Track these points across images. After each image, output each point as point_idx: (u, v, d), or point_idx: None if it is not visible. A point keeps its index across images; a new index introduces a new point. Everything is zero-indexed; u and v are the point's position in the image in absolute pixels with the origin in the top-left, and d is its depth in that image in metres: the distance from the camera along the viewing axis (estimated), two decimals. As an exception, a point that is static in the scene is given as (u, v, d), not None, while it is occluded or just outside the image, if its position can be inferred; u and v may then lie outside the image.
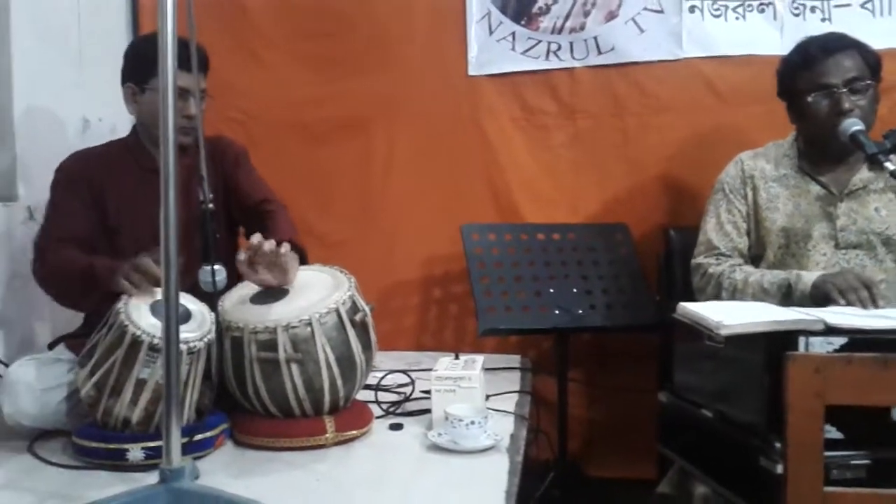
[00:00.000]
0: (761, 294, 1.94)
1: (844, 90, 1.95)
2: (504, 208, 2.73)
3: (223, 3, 2.75)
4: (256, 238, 1.69)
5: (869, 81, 1.98)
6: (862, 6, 2.60)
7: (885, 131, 1.88)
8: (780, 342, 1.41)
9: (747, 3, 2.63)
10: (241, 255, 1.70)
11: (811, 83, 2.00)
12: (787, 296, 1.90)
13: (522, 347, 2.66)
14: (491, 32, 2.71)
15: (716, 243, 2.11)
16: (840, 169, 2.06)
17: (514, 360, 2.51)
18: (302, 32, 2.77)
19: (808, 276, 1.87)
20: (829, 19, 2.61)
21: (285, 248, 1.71)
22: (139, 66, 2.00)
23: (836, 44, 2.01)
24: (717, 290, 2.03)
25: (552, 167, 2.73)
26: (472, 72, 2.72)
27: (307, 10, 2.76)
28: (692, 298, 2.19)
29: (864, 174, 2.03)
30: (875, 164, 1.84)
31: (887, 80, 2.44)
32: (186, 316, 1.64)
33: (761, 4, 2.62)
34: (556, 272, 2.44)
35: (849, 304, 1.75)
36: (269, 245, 1.67)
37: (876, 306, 1.73)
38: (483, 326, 2.28)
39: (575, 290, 2.41)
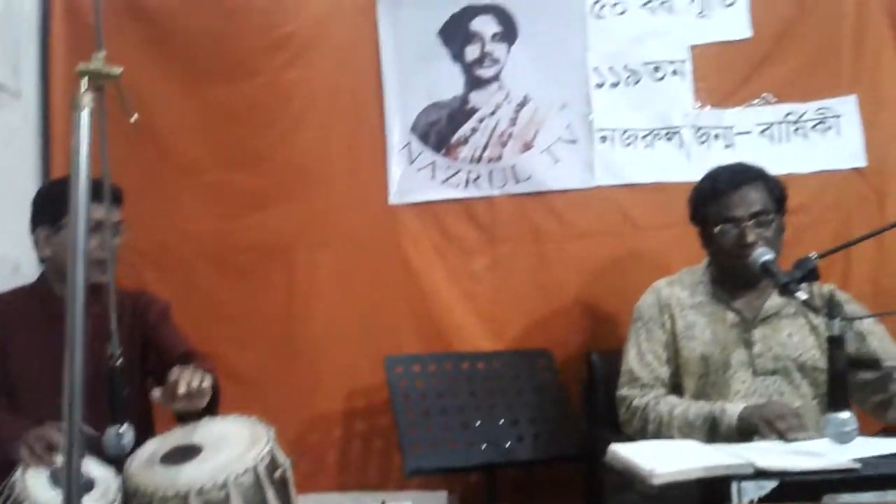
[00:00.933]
0: (687, 428, 1.93)
1: (750, 223, 2.01)
2: (428, 337, 2.69)
3: (138, 134, 2.67)
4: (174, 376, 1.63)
5: (773, 215, 2.05)
6: (761, 133, 2.76)
7: (796, 260, 1.95)
8: (713, 488, 1.41)
9: (655, 131, 2.75)
10: (156, 393, 1.65)
11: (718, 215, 2.05)
12: (712, 429, 1.89)
13: (449, 481, 2.57)
14: (412, 162, 2.75)
15: (637, 374, 2.11)
16: (752, 295, 2.10)
17: (441, 497, 2.42)
18: (219, 163, 2.73)
19: (733, 409, 1.88)
20: (733, 146, 2.75)
21: (207, 382, 1.67)
22: (51, 207, 1.96)
23: (743, 176, 2.08)
24: (643, 424, 2.02)
25: (474, 294, 2.73)
26: (392, 200, 2.73)
27: (223, 142, 2.74)
28: (617, 424, 2.18)
29: (774, 300, 2.07)
30: (786, 294, 1.88)
31: (788, 204, 2.60)
32: (89, 485, 1.52)
33: (668, 133, 2.75)
34: (482, 403, 2.40)
35: (779, 434, 1.75)
36: (183, 390, 1.61)
37: (800, 436, 1.74)
38: (409, 466, 2.21)
39: (502, 422, 2.37)
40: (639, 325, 2.17)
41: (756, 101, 2.77)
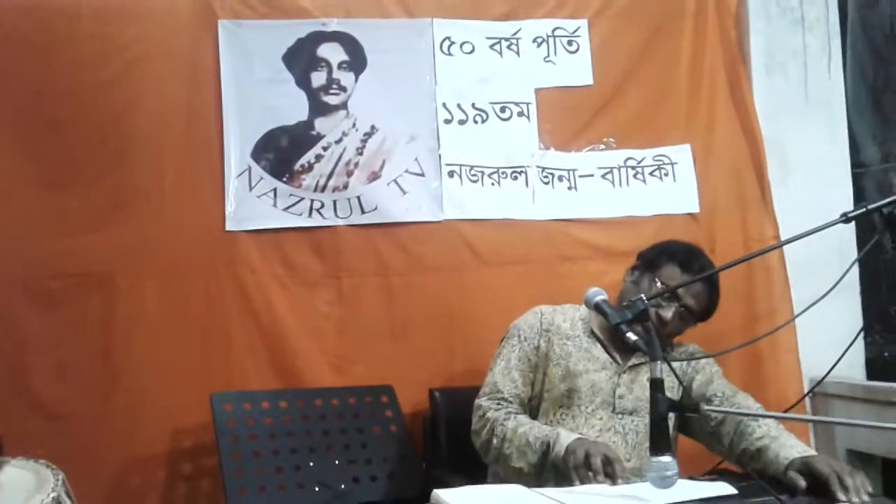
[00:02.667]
0: (525, 447, 1.91)
1: (681, 310, 2.02)
2: (264, 372, 2.55)
3: None
4: None
5: (695, 323, 2.09)
6: (602, 177, 2.84)
7: (625, 301, 1.97)
8: None
9: (501, 170, 2.77)
10: None
11: (669, 279, 2.04)
12: (545, 454, 1.88)
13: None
14: (251, 188, 2.62)
15: (500, 387, 2.08)
16: (624, 343, 2.11)
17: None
18: (35, 183, 2.50)
19: (566, 439, 1.86)
20: (575, 188, 2.82)
21: None
22: None
23: (711, 282, 2.07)
24: (490, 436, 1.99)
25: (316, 327, 2.62)
26: (230, 227, 2.59)
27: (43, 157, 2.51)
28: (458, 464, 2.13)
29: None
30: (618, 332, 1.89)
31: (625, 245, 2.66)
32: None
33: (514, 172, 2.78)
34: (317, 443, 2.28)
35: (588, 469, 1.73)
36: None
37: (614, 483, 1.72)
38: (233, 512, 2.04)
39: (337, 462, 2.25)
40: (514, 342, 2.14)
41: (598, 145, 2.85)
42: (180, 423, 2.47)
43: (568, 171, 2.81)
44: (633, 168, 2.86)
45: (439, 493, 1.55)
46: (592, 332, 2.13)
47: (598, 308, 1.90)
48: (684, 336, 2.15)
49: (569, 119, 2.84)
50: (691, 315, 2.07)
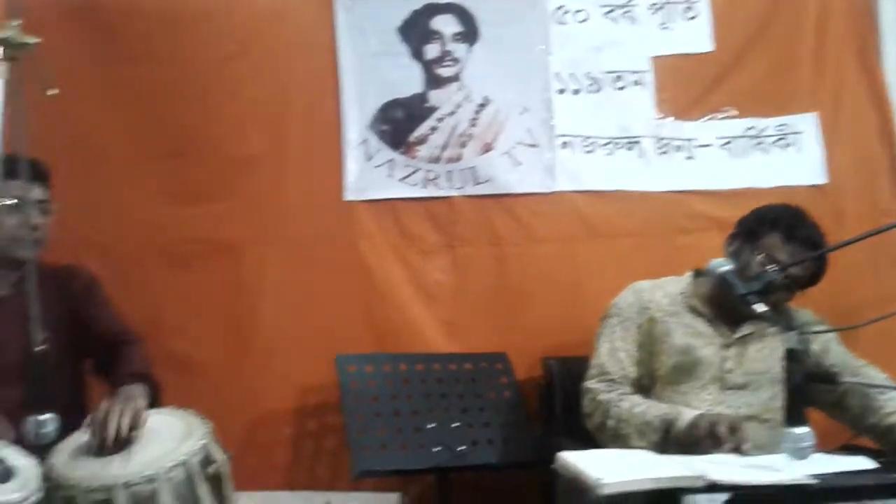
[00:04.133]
0: (643, 426, 1.91)
1: (782, 275, 1.95)
2: (382, 337, 2.63)
3: (83, 126, 2.57)
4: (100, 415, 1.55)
5: (797, 291, 2.03)
6: (721, 146, 2.77)
7: (754, 273, 1.93)
8: (663, 500, 1.37)
9: (616, 140, 2.74)
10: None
11: (773, 248, 1.99)
12: (667, 431, 1.87)
13: (403, 483, 2.48)
14: (369, 159, 2.69)
15: (608, 368, 2.08)
16: (730, 315, 2.07)
17: (393, 499, 2.35)
18: (167, 153, 2.64)
19: (688, 414, 1.86)
20: (693, 157, 2.76)
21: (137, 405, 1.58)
22: None
23: (816, 247, 2.00)
24: (604, 419, 1.99)
25: (431, 295, 2.67)
26: (348, 197, 2.67)
27: (169, 131, 2.65)
28: (573, 431, 2.15)
29: (752, 323, 2.05)
30: (745, 305, 1.85)
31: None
32: (7, 474, 1.42)
33: (629, 142, 2.74)
34: (436, 405, 2.34)
35: (715, 441, 1.72)
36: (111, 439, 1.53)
37: (739, 451, 1.70)
38: (357, 468, 2.14)
39: (455, 425, 2.31)
40: (614, 322, 2.14)
41: (718, 114, 2.78)
42: (305, 383, 2.58)
43: (685, 140, 2.75)
44: (754, 137, 2.78)
45: (566, 454, 1.57)
46: (694, 307, 2.10)
47: (722, 279, 1.89)
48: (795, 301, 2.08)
49: (687, 87, 2.78)
50: (796, 284, 2.00)
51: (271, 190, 2.65)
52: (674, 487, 1.39)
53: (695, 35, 2.80)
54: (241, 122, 2.67)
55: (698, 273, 2.16)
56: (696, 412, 1.86)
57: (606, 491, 1.39)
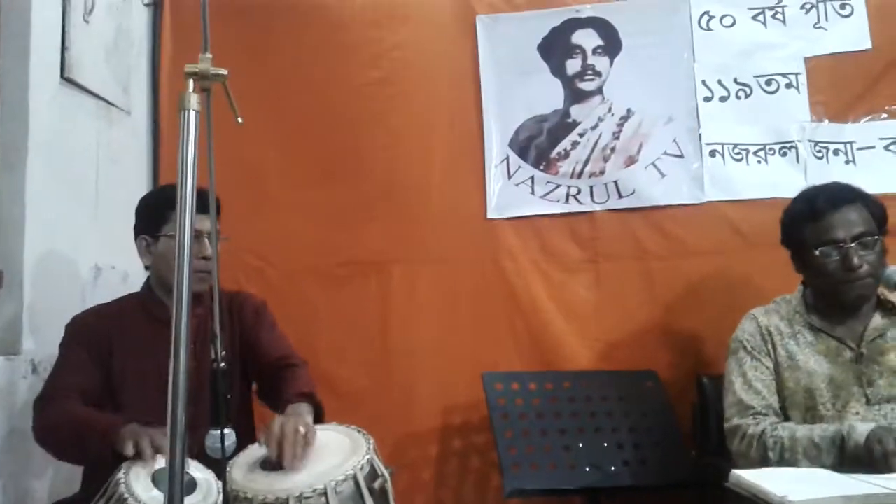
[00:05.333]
0: (813, 450, 1.78)
1: (853, 245, 1.88)
2: (526, 354, 2.62)
3: (240, 153, 2.68)
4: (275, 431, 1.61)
5: (876, 236, 1.91)
6: (885, 148, 2.59)
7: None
8: None
9: (769, 146, 2.63)
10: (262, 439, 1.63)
11: (818, 238, 1.92)
12: (841, 449, 1.75)
13: (549, 504, 2.47)
14: (510, 176, 2.70)
15: (748, 402, 1.95)
16: (851, 321, 1.96)
17: (541, 520, 2.33)
18: (318, 178, 2.75)
19: (863, 428, 1.73)
20: (854, 161, 2.61)
21: (307, 423, 1.64)
22: (150, 217, 2.00)
23: (842, 197, 1.95)
24: (763, 452, 1.86)
25: (575, 311, 2.65)
26: (490, 215, 2.69)
27: (321, 156, 2.76)
28: (728, 453, 2.04)
29: (877, 322, 1.94)
30: None
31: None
32: (192, 486, 1.51)
33: (783, 148, 2.63)
34: (585, 424, 2.30)
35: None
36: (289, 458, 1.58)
37: None
38: (509, 486, 2.12)
39: (605, 445, 2.26)
40: (741, 355, 2.03)
41: (881, 114, 2.62)
42: (451, 401, 2.61)
43: (845, 143, 2.60)
44: (921, 137, 2.59)
45: (740, 472, 1.51)
46: (813, 323, 1.97)
47: None
48: None
49: (844, 88, 2.63)
50: (868, 236, 1.88)
51: (417, 211, 2.71)
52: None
53: (851, 33, 2.66)
54: (388, 146, 2.74)
55: (806, 284, 2.05)
56: (872, 424, 1.74)
57: (793, 508, 1.32)
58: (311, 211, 2.74)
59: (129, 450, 1.57)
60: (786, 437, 1.84)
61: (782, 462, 1.83)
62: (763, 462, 1.87)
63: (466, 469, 2.61)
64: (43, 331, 2.13)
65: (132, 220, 2.06)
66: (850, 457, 1.72)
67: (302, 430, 1.61)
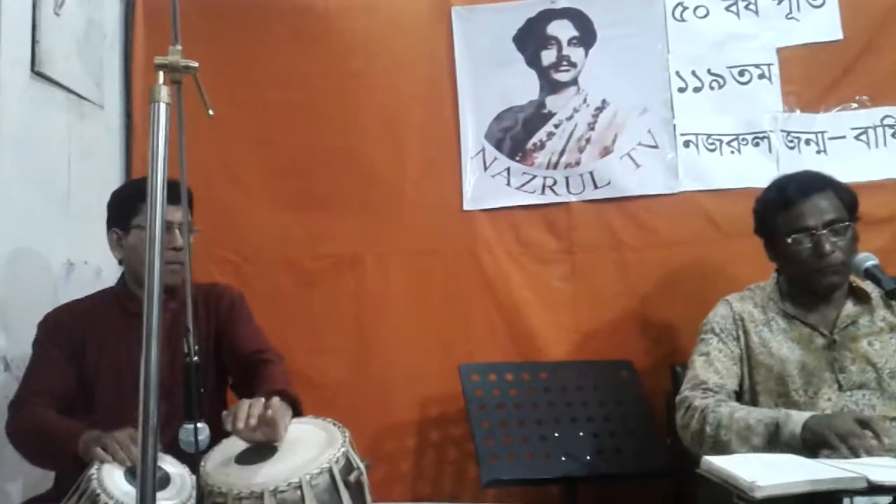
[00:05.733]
0: (745, 431, 1.79)
1: (824, 232, 1.91)
2: (504, 346, 2.63)
3: (213, 146, 2.65)
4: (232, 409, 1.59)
5: (847, 223, 1.94)
6: (856, 138, 2.62)
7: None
8: (818, 502, 1.32)
9: (742, 137, 2.65)
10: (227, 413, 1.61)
11: (789, 225, 1.95)
12: (773, 435, 1.76)
13: (526, 495, 2.48)
14: (486, 168, 2.70)
15: (703, 378, 1.98)
16: (824, 308, 2.00)
17: (519, 511, 2.35)
18: (291, 170, 2.73)
19: (799, 417, 1.75)
20: (825, 151, 2.63)
21: (273, 403, 1.60)
22: (121, 209, 1.99)
23: (812, 184, 1.98)
24: (701, 425, 1.87)
25: (551, 302, 2.65)
26: (467, 206, 2.69)
27: (293, 149, 2.74)
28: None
29: (849, 309, 1.98)
30: (893, 299, 1.79)
31: (885, 210, 2.47)
32: (165, 481, 1.50)
33: (756, 138, 2.64)
34: (561, 414, 2.32)
35: (851, 451, 1.62)
36: (247, 422, 1.57)
37: (882, 446, 1.62)
38: (486, 477, 2.13)
39: (581, 434, 2.28)
40: (709, 337, 2.06)
41: (851, 104, 2.64)
42: (428, 393, 2.61)
43: (816, 133, 2.63)
44: (891, 127, 2.62)
45: (711, 458, 1.53)
46: (786, 311, 2.00)
47: (868, 274, 1.82)
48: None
49: (816, 78, 2.65)
50: (838, 223, 1.91)
51: (392, 202, 2.70)
52: (833, 489, 1.35)
53: (822, 23, 2.67)
54: (362, 138, 2.73)
55: (780, 272, 2.08)
56: (808, 414, 1.76)
57: (762, 494, 1.35)
58: (284, 203, 2.72)
59: (102, 457, 1.56)
60: (725, 414, 1.85)
61: (716, 438, 1.84)
62: (699, 436, 1.88)
63: (444, 460, 2.62)
64: (15, 327, 2.11)
65: (105, 215, 2.04)
66: (784, 444, 1.73)
67: (258, 405, 1.60)
